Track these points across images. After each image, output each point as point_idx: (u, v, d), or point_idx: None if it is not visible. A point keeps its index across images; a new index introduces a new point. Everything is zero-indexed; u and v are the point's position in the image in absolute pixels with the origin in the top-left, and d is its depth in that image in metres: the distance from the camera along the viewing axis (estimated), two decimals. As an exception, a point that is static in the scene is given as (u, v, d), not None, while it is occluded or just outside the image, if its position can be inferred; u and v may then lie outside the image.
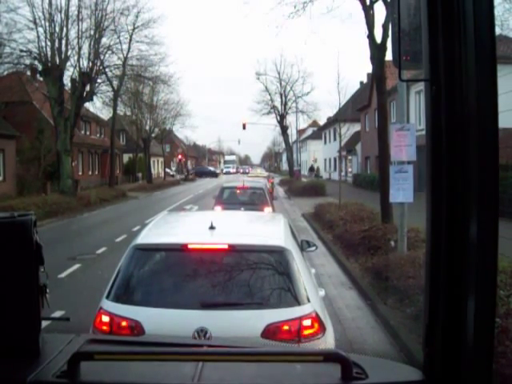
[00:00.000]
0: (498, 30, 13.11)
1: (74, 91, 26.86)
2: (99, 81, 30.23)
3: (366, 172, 38.10)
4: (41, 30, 25.56)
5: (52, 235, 15.20)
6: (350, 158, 45.34)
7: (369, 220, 13.48)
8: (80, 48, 27.31)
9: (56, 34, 25.81)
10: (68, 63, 26.71)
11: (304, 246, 6.09)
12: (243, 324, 3.68)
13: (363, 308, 7.73)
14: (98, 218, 21.98)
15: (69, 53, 26.45)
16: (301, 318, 3.67)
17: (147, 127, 48.45)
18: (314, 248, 6.48)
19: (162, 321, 3.68)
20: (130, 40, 33.20)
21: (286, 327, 3.66)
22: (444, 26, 1.33)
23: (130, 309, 3.76)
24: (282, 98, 48.78)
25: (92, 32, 27.99)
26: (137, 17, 32.41)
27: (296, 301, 3.79)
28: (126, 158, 51.34)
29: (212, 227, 4.22)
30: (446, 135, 1.35)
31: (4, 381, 1.45)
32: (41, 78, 28.48)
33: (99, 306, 3.88)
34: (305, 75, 51.10)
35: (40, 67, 26.52)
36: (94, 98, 30.18)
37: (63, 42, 26.05)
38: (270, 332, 3.60)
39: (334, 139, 43.48)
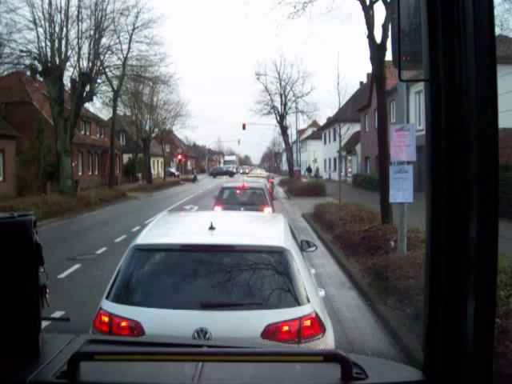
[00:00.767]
0: (497, 30, 13.11)
1: (74, 91, 26.86)
2: (99, 81, 30.30)
3: (365, 172, 38.10)
4: (41, 30, 25.61)
5: (52, 235, 15.20)
6: (349, 158, 45.35)
7: (369, 220, 13.48)
8: (80, 48, 27.35)
9: (56, 35, 25.82)
10: (68, 63, 26.75)
11: (304, 246, 6.11)
12: (243, 324, 3.67)
13: (363, 308, 7.73)
14: (98, 218, 21.98)
15: (69, 53, 26.48)
16: (301, 319, 3.67)
17: (147, 127, 48.45)
18: (313, 248, 6.49)
19: (161, 321, 3.66)
20: (130, 40, 33.26)
21: (285, 328, 3.66)
22: (444, 26, 1.33)
23: (130, 309, 3.75)
24: (281, 98, 48.81)
25: (92, 32, 28.03)
26: (137, 17, 32.50)
27: (296, 301, 3.78)
28: (125, 158, 51.34)
29: (212, 227, 4.22)
30: (445, 135, 1.35)
31: (4, 381, 1.45)
32: (41, 79, 28.50)
33: (99, 307, 3.87)
34: (305, 75, 51.18)
35: (40, 67, 26.52)
36: (94, 98, 30.25)
37: (63, 42, 26.06)
38: (270, 332, 3.60)
39: (334, 139, 43.48)
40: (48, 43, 25.70)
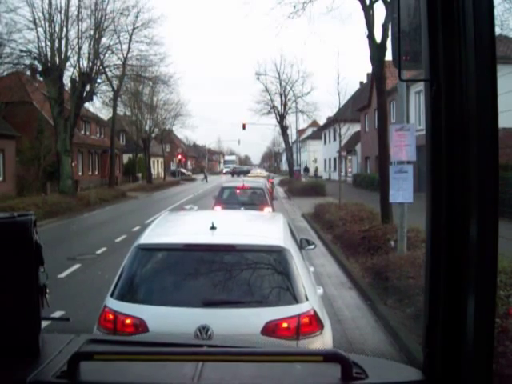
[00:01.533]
0: (497, 30, 13.11)
1: (74, 91, 26.86)
2: (99, 81, 30.31)
3: (365, 172, 38.10)
4: (41, 30, 25.65)
5: (52, 235, 15.20)
6: (349, 158, 45.35)
7: (369, 220, 13.49)
8: (80, 48, 27.37)
9: (56, 34, 25.85)
10: (68, 63, 26.78)
11: (303, 244, 6.24)
12: (243, 321, 3.75)
13: (363, 308, 7.73)
14: (98, 218, 21.98)
15: (69, 53, 26.50)
16: (299, 316, 3.75)
17: (147, 127, 48.46)
18: (312, 246, 6.60)
19: (165, 319, 3.74)
20: (130, 40, 33.24)
21: (284, 325, 3.74)
22: (444, 25, 1.33)
23: (134, 307, 3.83)
24: (281, 98, 48.82)
25: (92, 32, 28.04)
26: (136, 17, 32.48)
27: (295, 299, 3.86)
28: (125, 158, 51.33)
29: (213, 227, 4.29)
30: (445, 135, 1.35)
31: (4, 381, 1.45)
32: (41, 78, 28.51)
33: (103, 305, 3.94)
34: (305, 75, 51.32)
35: (40, 67, 26.55)
36: (94, 98, 30.27)
37: (63, 42, 26.08)
38: (270, 329, 3.68)
39: (334, 139, 43.48)
40: (48, 43, 25.76)
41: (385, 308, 7.25)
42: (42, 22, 25.58)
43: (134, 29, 32.90)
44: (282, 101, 48.78)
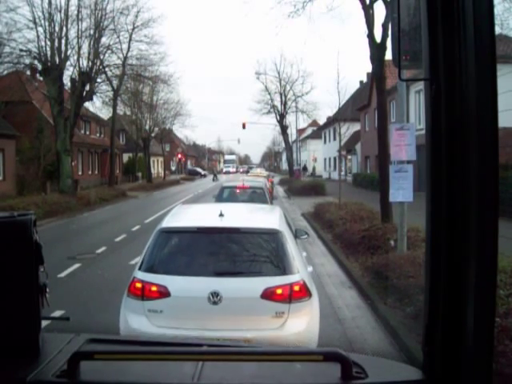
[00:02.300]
0: (497, 30, 13.11)
1: (74, 91, 26.85)
2: (99, 80, 30.26)
3: (365, 171, 38.10)
4: (40, 29, 25.60)
5: (52, 235, 15.20)
6: (349, 157, 45.34)
7: (369, 219, 13.48)
8: (80, 47, 27.34)
9: (56, 34, 25.82)
10: (68, 63, 26.74)
11: (298, 233, 7.46)
12: (247, 288, 4.66)
13: (363, 307, 7.73)
14: (98, 217, 21.98)
15: (68, 52, 26.47)
16: (291, 284, 4.63)
17: (147, 127, 48.44)
18: (305, 236, 7.86)
19: (183, 285, 4.67)
20: (130, 39, 33.21)
21: (279, 291, 4.60)
22: (444, 25, 1.33)
23: (158, 277, 4.72)
24: (281, 97, 48.78)
25: (92, 31, 28.01)
26: (136, 16, 32.41)
27: (288, 271, 4.76)
28: (125, 157, 51.33)
29: (221, 214, 5.17)
30: (445, 134, 1.35)
31: (4, 380, 1.45)
32: (40, 78, 28.48)
33: (133, 276, 4.83)
34: (304, 75, 51.08)
35: (40, 67, 26.51)
36: (94, 97, 30.24)
37: (63, 41, 26.05)
38: (267, 294, 4.55)
39: (334, 139, 43.48)
40: (48, 42, 25.72)
41: (385, 307, 7.25)
42: (42, 21, 25.57)
43: (133, 28, 32.90)
44: (281, 100, 48.78)
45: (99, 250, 12.55)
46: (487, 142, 1.26)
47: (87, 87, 27.80)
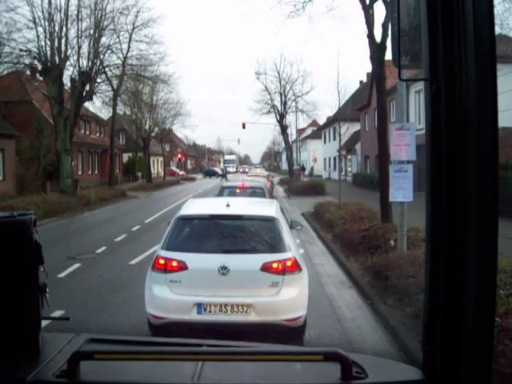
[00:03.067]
0: (497, 30, 13.10)
1: (74, 91, 26.83)
2: (99, 80, 30.20)
3: (365, 171, 38.09)
4: (40, 29, 25.56)
5: (52, 235, 15.19)
6: (349, 157, 45.34)
7: (368, 219, 13.47)
8: (79, 47, 27.31)
9: (55, 34, 25.78)
10: (68, 63, 26.70)
11: (294, 224, 8.81)
12: (249, 262, 5.73)
13: (363, 307, 7.72)
14: (98, 217, 21.98)
15: (68, 52, 26.44)
16: (285, 260, 5.70)
17: (147, 127, 48.39)
18: (300, 227, 9.45)
19: (198, 261, 5.73)
20: (130, 39, 33.16)
21: (275, 265, 5.66)
22: (444, 25, 1.33)
23: (178, 254, 5.75)
24: (281, 97, 48.75)
25: (91, 31, 27.98)
26: (136, 16, 32.35)
27: (282, 249, 5.84)
28: (125, 157, 51.30)
29: (228, 205, 6.37)
30: (445, 134, 1.35)
31: (4, 380, 1.45)
32: (40, 78, 28.46)
33: (156, 254, 5.89)
34: (304, 74, 51.34)
35: (39, 67, 26.48)
36: (94, 97, 30.17)
37: (63, 41, 26.02)
38: (265, 267, 5.62)
39: (334, 139, 43.47)
40: (48, 42, 25.68)
41: (385, 307, 7.25)
42: (42, 21, 25.52)
43: (133, 28, 32.84)
44: (281, 100, 48.76)
45: (99, 250, 12.55)
46: (487, 141, 1.26)
47: (87, 87, 27.77)
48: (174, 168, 73.91)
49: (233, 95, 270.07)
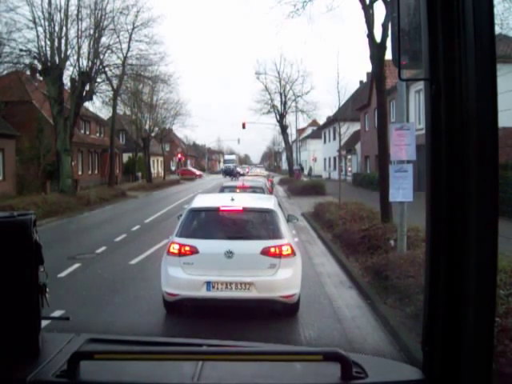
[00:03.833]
0: (497, 29, 13.10)
1: (74, 91, 26.82)
2: (99, 80, 30.18)
3: (365, 171, 38.08)
4: (40, 29, 25.55)
5: (52, 235, 15.19)
6: (349, 157, 45.32)
7: (368, 219, 13.47)
8: (79, 47, 27.30)
9: (55, 34, 25.78)
10: (67, 62, 26.69)
11: (290, 218, 9.92)
12: (250, 247, 6.69)
13: (363, 307, 7.72)
14: (98, 217, 21.97)
15: (68, 52, 26.43)
16: (281, 245, 6.67)
17: (147, 126, 48.37)
18: (296, 220, 11.03)
19: (207, 245, 6.71)
20: (130, 39, 33.14)
21: (272, 250, 6.61)
22: (444, 25, 1.33)
23: (190, 240, 6.75)
24: (281, 97, 48.78)
25: (91, 31, 27.97)
26: (136, 16, 32.33)
27: (279, 236, 6.82)
28: (125, 157, 51.26)
29: (232, 199, 7.34)
30: (445, 134, 1.35)
31: (4, 380, 1.45)
32: (40, 78, 28.46)
33: (170, 240, 6.88)
34: (304, 74, 51.45)
35: (39, 66, 26.48)
36: (94, 97, 30.15)
37: (63, 41, 26.02)
38: (265, 251, 6.57)
39: (334, 138, 43.47)
40: (48, 42, 25.68)
41: (385, 307, 7.25)
42: (42, 21, 25.52)
43: (133, 28, 32.82)
44: (281, 100, 48.79)
45: (99, 250, 12.54)
46: (487, 141, 1.26)
47: (87, 87, 27.76)
48: (190, 167, 72.82)
49: (233, 95, 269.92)
